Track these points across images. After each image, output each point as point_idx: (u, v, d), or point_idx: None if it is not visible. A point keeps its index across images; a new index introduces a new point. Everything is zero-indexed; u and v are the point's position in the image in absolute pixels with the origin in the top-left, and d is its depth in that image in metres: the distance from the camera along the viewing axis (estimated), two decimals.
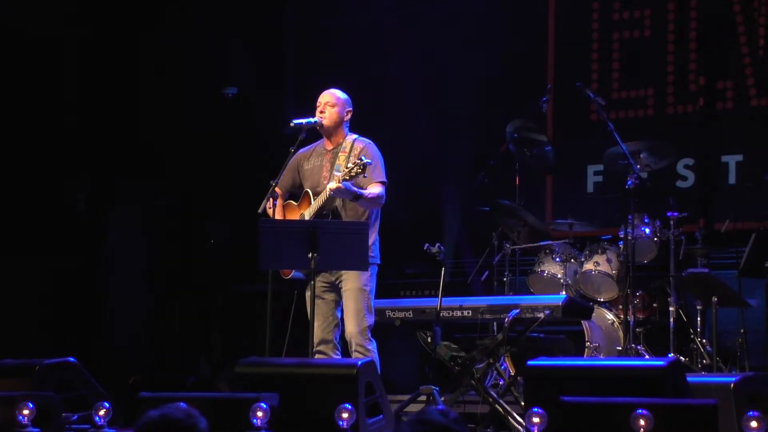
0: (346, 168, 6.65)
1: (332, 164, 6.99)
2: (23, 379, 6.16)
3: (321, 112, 7.04)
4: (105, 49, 10.29)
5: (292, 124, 6.97)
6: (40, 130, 9.93)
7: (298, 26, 11.39)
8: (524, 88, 10.26)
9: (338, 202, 6.85)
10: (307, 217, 6.89)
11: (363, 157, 6.65)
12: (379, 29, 10.85)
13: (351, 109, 7.11)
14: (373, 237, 6.91)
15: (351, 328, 6.79)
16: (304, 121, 6.95)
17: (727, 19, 9.96)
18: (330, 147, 7.09)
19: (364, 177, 6.68)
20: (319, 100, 7.09)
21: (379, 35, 10.83)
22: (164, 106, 10.43)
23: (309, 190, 7.00)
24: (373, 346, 6.80)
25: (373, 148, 7.01)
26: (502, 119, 9.34)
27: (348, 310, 6.83)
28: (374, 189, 6.81)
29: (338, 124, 7.05)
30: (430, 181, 10.54)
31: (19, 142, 9.74)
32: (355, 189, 6.67)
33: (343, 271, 6.86)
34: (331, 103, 7.05)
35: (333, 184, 6.61)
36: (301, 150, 7.15)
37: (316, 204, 6.86)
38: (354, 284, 6.84)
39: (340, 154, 7.00)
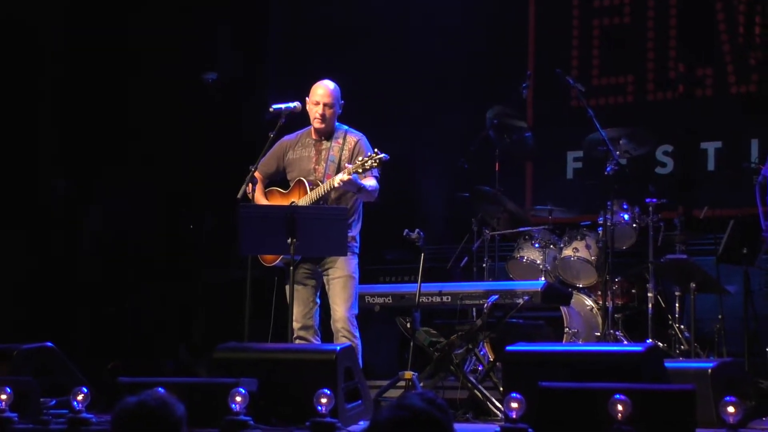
0: (360, 160, 6.64)
1: (322, 155, 6.98)
2: (1, 363, 6.15)
3: (321, 115, 6.95)
4: (84, 36, 10.22)
5: (271, 109, 6.94)
6: (17, 117, 9.88)
7: (282, 11, 11.35)
8: (504, 74, 10.26)
9: (334, 194, 6.84)
10: None
11: (378, 151, 6.65)
12: (361, 16, 10.83)
13: (343, 102, 7.08)
14: (356, 229, 6.93)
15: (340, 314, 6.79)
16: (283, 106, 6.92)
17: (706, 6, 9.99)
18: (317, 137, 7.07)
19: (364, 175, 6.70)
20: (319, 98, 6.98)
21: (362, 22, 10.80)
22: (145, 92, 10.37)
23: (303, 179, 6.97)
24: (358, 334, 6.81)
25: (365, 142, 7.00)
26: (482, 105, 9.34)
27: (337, 296, 6.83)
28: (371, 182, 6.81)
29: (334, 122, 7.04)
30: (410, 167, 10.53)
31: None
32: (360, 182, 6.68)
33: (330, 260, 6.86)
34: (330, 104, 6.97)
35: (345, 176, 6.61)
36: (287, 137, 7.13)
37: (314, 194, 6.82)
38: (343, 272, 6.85)
39: (333, 144, 6.98)
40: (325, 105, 6.97)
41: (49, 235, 10.05)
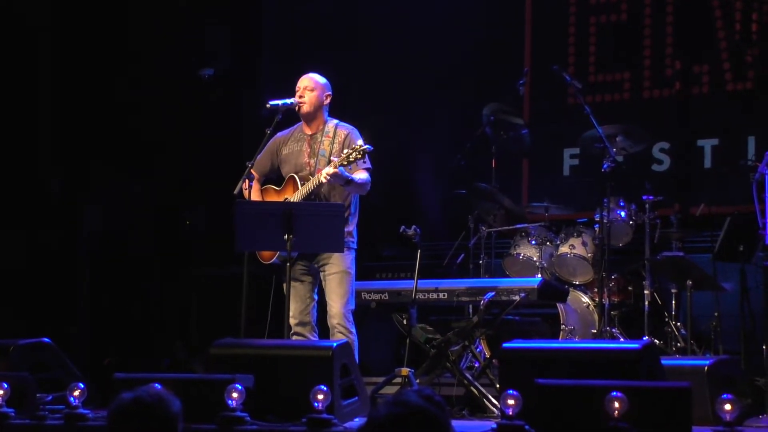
0: (345, 153, 6.63)
1: (314, 149, 6.97)
2: None
3: (300, 96, 7.00)
4: (80, 33, 10.21)
5: (268, 106, 6.95)
6: (16, 116, 9.88)
7: (277, 8, 11.34)
8: (501, 71, 10.26)
9: (325, 189, 6.84)
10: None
11: (362, 143, 6.64)
12: (357, 13, 10.83)
13: (330, 93, 7.07)
14: (353, 224, 6.92)
15: (336, 309, 6.77)
16: (280, 102, 6.92)
17: (703, 3, 9.98)
18: (309, 132, 7.06)
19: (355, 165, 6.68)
20: (298, 84, 7.05)
21: (357, 19, 10.80)
22: (140, 88, 10.37)
23: (294, 175, 6.96)
24: (354, 329, 6.81)
25: (356, 134, 6.97)
26: (479, 102, 9.34)
27: (333, 292, 6.81)
28: (362, 175, 6.79)
29: (317, 108, 7.01)
30: (407, 163, 10.53)
31: None
32: (347, 174, 6.66)
33: (326, 256, 6.85)
34: (310, 87, 7.01)
35: (330, 169, 6.59)
36: (280, 134, 7.13)
37: (305, 189, 6.82)
38: (339, 267, 6.83)
39: (323, 138, 6.97)
40: (305, 88, 7.01)
41: (46, 233, 10.03)
